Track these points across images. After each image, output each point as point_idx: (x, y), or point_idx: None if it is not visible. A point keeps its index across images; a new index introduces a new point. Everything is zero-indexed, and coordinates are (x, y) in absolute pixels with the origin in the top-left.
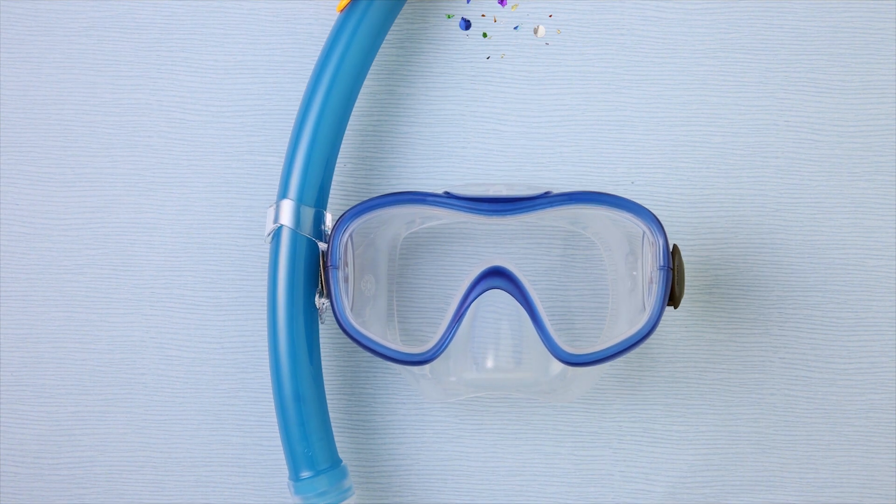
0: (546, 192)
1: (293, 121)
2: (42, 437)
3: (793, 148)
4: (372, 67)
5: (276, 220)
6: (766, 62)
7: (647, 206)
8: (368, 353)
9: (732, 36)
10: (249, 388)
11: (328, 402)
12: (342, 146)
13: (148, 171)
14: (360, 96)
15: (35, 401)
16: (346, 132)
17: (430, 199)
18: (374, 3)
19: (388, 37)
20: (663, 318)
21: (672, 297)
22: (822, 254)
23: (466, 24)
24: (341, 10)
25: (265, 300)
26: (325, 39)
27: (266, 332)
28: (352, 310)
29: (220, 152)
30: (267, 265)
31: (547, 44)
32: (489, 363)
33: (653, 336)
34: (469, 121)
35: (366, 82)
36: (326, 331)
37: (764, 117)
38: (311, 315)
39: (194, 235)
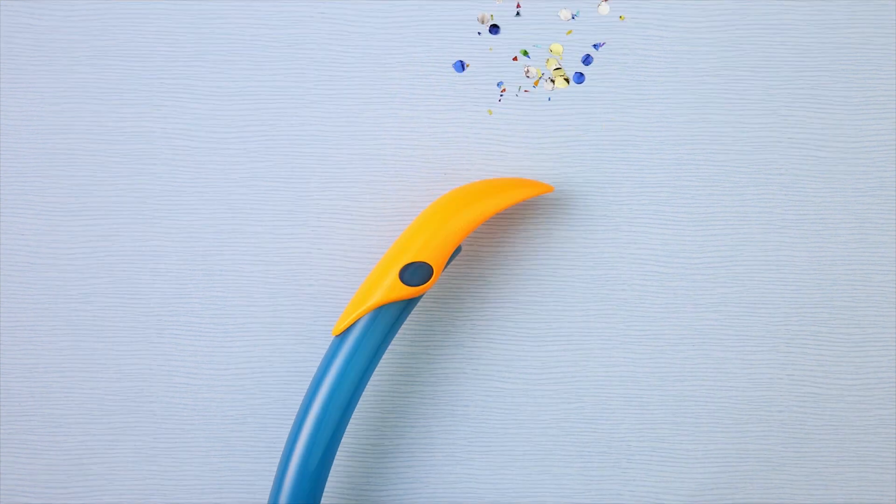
0: None
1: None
2: (51, 467)
3: (797, 164)
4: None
5: None
6: (769, 79)
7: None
8: (375, 378)
9: (735, 54)
10: (258, 414)
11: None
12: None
13: (153, 198)
14: None
15: (43, 430)
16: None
17: None
18: (371, 330)
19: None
20: (673, 334)
21: None
22: (828, 270)
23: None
24: (337, 334)
25: (271, 326)
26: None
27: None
28: None
29: (225, 179)
30: (271, 291)
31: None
32: None
33: (661, 354)
34: (473, 143)
35: None
36: None
37: (767, 134)
38: None
39: (200, 263)
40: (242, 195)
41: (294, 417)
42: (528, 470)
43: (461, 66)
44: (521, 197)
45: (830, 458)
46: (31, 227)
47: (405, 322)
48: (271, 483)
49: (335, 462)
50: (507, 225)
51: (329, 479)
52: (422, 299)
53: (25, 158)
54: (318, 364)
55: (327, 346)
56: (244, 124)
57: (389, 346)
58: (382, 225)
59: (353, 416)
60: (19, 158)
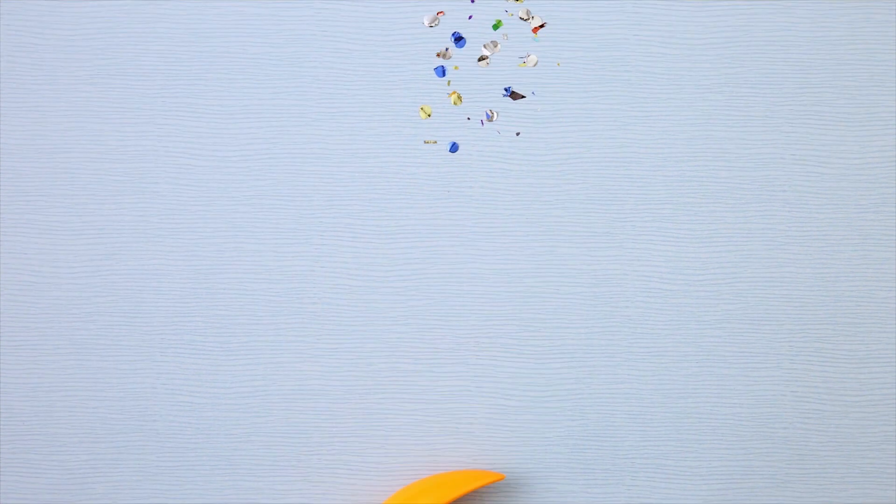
0: None
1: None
2: (55, 486)
3: (799, 181)
4: None
5: None
6: (772, 96)
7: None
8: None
9: (737, 70)
10: (262, 433)
11: (343, 444)
12: None
13: (155, 217)
14: None
15: (47, 449)
16: None
17: None
18: None
19: None
20: (676, 351)
21: None
22: (832, 286)
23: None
24: None
25: (274, 344)
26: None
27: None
28: None
29: (227, 197)
30: (273, 309)
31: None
32: None
33: (665, 371)
34: (476, 161)
35: None
36: (343, 377)
37: (770, 151)
38: None
39: (203, 281)
40: (245, 213)
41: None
42: (533, 487)
43: (442, 71)
44: (471, 488)
45: (835, 474)
46: (34, 245)
47: (408, 334)
48: (275, 502)
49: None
50: (510, 241)
51: None
52: (424, 314)
53: (28, 177)
54: (321, 381)
55: (330, 363)
56: (246, 142)
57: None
58: (385, 242)
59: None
60: (22, 177)
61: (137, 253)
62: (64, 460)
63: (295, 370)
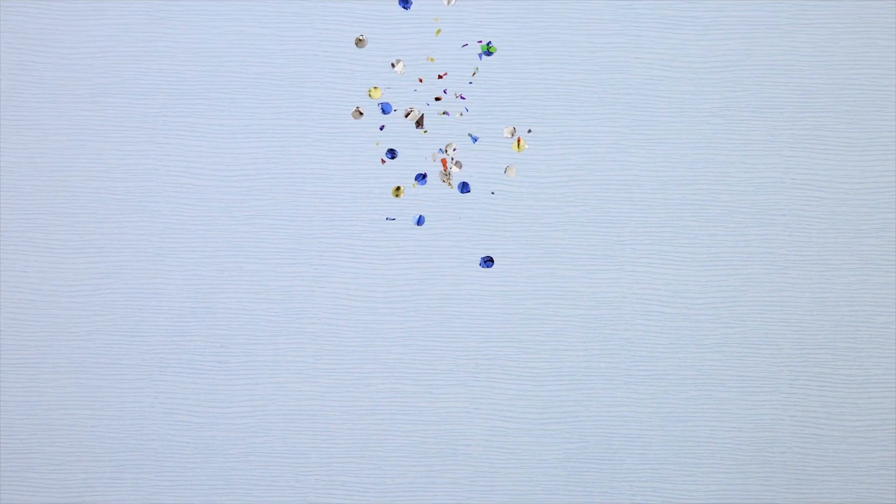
0: None
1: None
2: None
3: (800, 205)
4: None
5: None
6: (772, 120)
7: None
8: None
9: (738, 94)
10: (260, 452)
11: (342, 464)
12: None
13: (156, 236)
14: None
15: (44, 468)
16: None
17: None
18: None
19: None
20: (675, 375)
21: None
22: (831, 311)
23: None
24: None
25: (273, 364)
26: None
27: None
28: None
29: (228, 217)
30: (273, 330)
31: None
32: None
33: (664, 395)
34: (476, 182)
35: None
36: (349, 397)
37: (770, 175)
38: None
39: (202, 300)
40: (245, 233)
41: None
42: None
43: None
44: None
45: (833, 499)
46: (34, 264)
47: (407, 356)
48: None
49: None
50: (510, 263)
51: None
52: (423, 336)
53: (28, 195)
54: (319, 401)
55: (329, 384)
56: (247, 162)
57: (387, 383)
58: (384, 264)
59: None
60: (22, 195)
61: (137, 272)
62: (62, 479)
63: (294, 390)
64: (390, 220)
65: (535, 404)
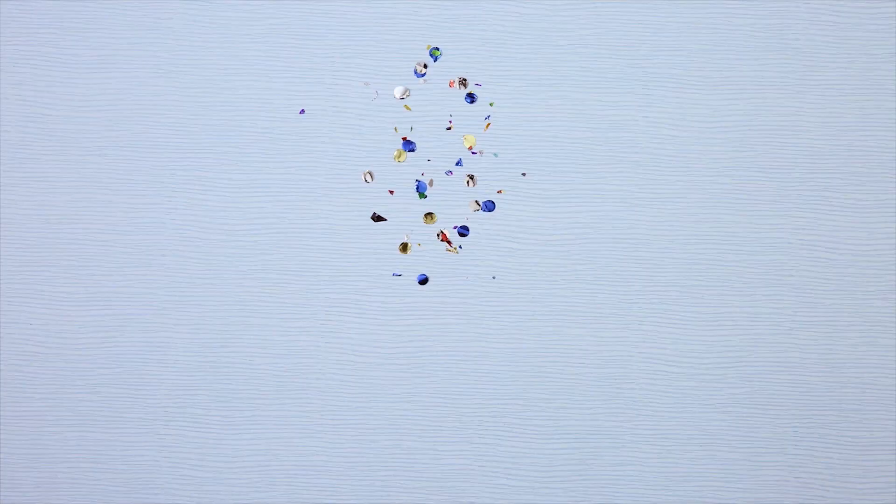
0: None
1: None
2: None
3: (807, 266)
4: None
5: None
6: (780, 180)
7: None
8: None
9: (746, 154)
10: None
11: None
12: None
13: (162, 289)
14: None
15: None
16: None
17: None
18: None
19: None
20: (681, 434)
21: None
22: (838, 372)
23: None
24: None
25: (279, 419)
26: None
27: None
28: None
29: (234, 271)
30: (278, 384)
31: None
32: None
33: (669, 454)
34: (482, 238)
35: None
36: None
37: (778, 235)
38: None
39: (207, 354)
40: (251, 287)
41: None
42: None
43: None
44: None
45: None
46: (40, 315)
47: (412, 412)
48: None
49: None
50: (517, 321)
51: None
52: (428, 392)
53: (35, 247)
54: (324, 456)
55: (333, 439)
56: (254, 216)
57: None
58: (391, 319)
59: None
60: (29, 247)
61: (143, 325)
62: None
63: (298, 445)
64: (397, 276)
65: (540, 462)
